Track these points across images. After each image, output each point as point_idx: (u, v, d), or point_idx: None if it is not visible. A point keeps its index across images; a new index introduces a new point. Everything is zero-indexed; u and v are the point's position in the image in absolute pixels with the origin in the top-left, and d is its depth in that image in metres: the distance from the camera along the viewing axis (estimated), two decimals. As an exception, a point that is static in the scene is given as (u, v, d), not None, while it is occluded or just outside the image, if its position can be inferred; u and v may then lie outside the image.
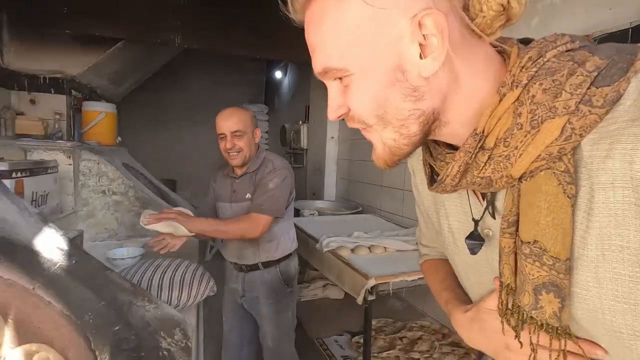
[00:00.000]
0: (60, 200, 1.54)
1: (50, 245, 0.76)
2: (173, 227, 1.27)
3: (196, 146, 5.96)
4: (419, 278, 1.42)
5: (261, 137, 1.67)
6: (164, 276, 1.06)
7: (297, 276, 1.67)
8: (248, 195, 1.46)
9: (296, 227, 2.20)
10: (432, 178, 0.50)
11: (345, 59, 0.40)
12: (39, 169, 1.19)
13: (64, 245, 0.79)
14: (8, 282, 0.67)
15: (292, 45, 2.85)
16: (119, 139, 2.58)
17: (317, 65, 0.43)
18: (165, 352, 0.71)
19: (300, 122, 4.00)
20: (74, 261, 0.77)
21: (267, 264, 1.52)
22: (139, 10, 2.47)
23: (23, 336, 0.76)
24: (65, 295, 0.70)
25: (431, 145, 0.48)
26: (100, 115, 2.40)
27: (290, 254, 1.61)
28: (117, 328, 0.69)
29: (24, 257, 0.68)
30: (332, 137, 3.37)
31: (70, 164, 1.54)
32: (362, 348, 1.76)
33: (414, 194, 0.66)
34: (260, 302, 1.54)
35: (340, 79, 0.43)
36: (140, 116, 5.65)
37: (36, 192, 1.18)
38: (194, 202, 2.74)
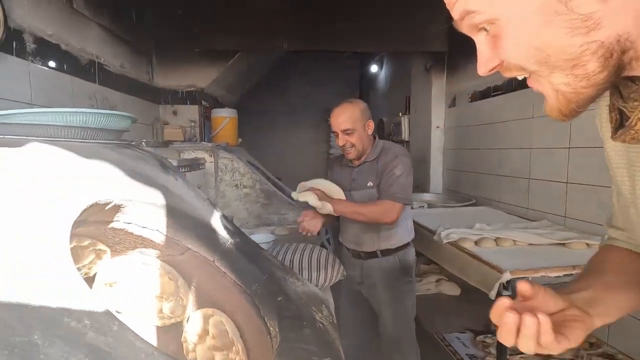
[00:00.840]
0: (206, 193, 1.80)
1: (221, 224, 0.89)
2: (321, 204, 1.45)
3: (297, 146, 6.35)
4: (564, 275, 1.25)
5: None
6: (301, 258, 1.15)
7: (415, 266, 1.66)
8: (370, 183, 1.51)
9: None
10: (621, 125, 0.40)
11: (488, 3, 0.35)
12: (195, 164, 1.41)
13: (229, 225, 0.92)
14: (195, 254, 0.81)
15: (393, 37, 2.81)
16: (240, 140, 2.89)
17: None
18: (320, 325, 0.77)
19: (400, 114, 3.91)
20: (238, 239, 0.89)
21: (385, 252, 1.55)
22: (251, 22, 2.73)
23: (201, 301, 0.91)
24: (237, 267, 0.81)
25: (622, 83, 0.38)
26: (225, 120, 2.72)
27: (408, 244, 1.61)
28: (279, 299, 0.77)
29: (206, 234, 0.81)
30: (437, 127, 3.20)
31: (212, 162, 1.78)
32: (490, 348, 1.63)
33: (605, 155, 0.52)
34: (378, 289, 1.57)
35: (486, 29, 0.37)
36: (248, 122, 6.25)
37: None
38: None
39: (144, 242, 0.79)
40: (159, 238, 0.77)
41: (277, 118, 6.35)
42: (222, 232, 0.86)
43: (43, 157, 0.56)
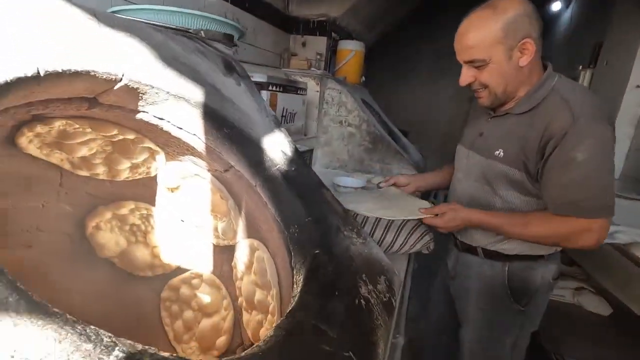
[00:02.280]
0: (305, 123, 1.68)
1: (277, 147, 0.72)
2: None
3: (436, 100, 5.67)
4: None
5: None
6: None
7: (546, 294, 1.00)
8: (499, 152, 0.88)
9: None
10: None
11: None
12: (290, 87, 1.27)
13: (288, 150, 0.75)
14: (238, 174, 0.68)
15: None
16: (363, 78, 2.64)
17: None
18: (362, 301, 0.55)
19: (581, 67, 2.92)
20: (293, 168, 0.71)
21: (490, 254, 0.97)
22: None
23: (250, 230, 0.80)
24: (280, 200, 0.65)
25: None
26: (350, 53, 2.49)
27: (540, 257, 0.94)
28: (317, 251, 0.58)
29: (253, 152, 0.66)
30: (637, 86, 2.25)
31: (318, 91, 1.63)
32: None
33: None
34: (469, 299, 1.04)
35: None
36: (384, 66, 5.84)
37: (286, 109, 1.27)
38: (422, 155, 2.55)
39: (189, 149, 0.70)
40: (200, 145, 0.65)
41: (419, 65, 5.74)
42: (274, 155, 0.69)
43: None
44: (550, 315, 1.70)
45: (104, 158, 0.79)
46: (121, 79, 0.48)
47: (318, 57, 2.77)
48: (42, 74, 0.36)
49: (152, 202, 0.95)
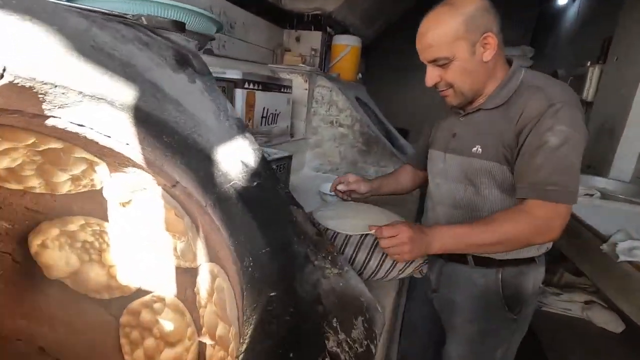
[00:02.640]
0: (292, 124, 1.56)
1: (235, 157, 0.60)
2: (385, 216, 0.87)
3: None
4: None
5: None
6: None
7: (535, 298, 0.93)
8: (477, 148, 0.83)
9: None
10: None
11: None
12: (272, 85, 1.15)
13: (251, 160, 0.62)
14: (186, 191, 0.56)
15: None
16: (360, 75, 2.51)
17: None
18: (327, 358, 0.43)
19: (589, 63, 2.78)
20: (255, 183, 0.59)
21: (482, 261, 0.87)
22: None
23: (209, 253, 0.68)
24: (232, 224, 0.53)
25: None
26: (346, 49, 2.36)
27: (530, 260, 0.87)
28: (272, 294, 0.46)
29: (202, 165, 0.54)
30: (651, 83, 2.11)
31: (306, 89, 1.50)
32: None
33: None
34: (456, 311, 0.94)
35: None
36: (384, 63, 5.70)
37: (267, 109, 1.15)
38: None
39: (129, 160, 0.58)
40: (137, 157, 0.53)
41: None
42: (230, 167, 0.57)
43: None
44: (554, 329, 1.58)
45: (36, 169, 0.67)
46: (2, 75, 0.36)
47: (312, 52, 2.64)
48: None
49: (104, 217, 0.83)
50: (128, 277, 0.90)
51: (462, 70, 0.78)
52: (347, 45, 2.35)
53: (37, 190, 0.72)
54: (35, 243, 0.84)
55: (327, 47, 2.70)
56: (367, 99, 2.07)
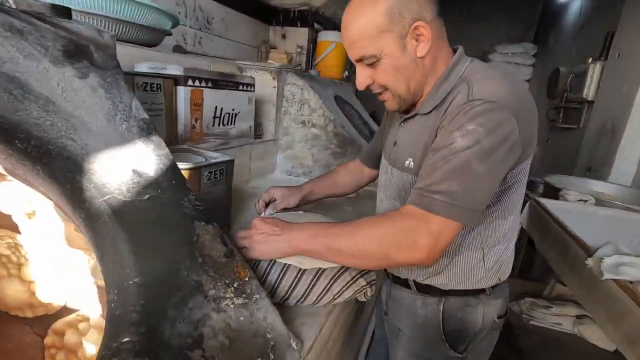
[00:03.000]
0: (260, 124, 1.47)
1: (123, 165, 0.51)
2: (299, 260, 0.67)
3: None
4: None
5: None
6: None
7: (490, 335, 0.79)
8: (409, 161, 0.71)
9: (550, 217, 1.38)
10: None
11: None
12: (226, 82, 1.05)
13: (149, 169, 0.53)
14: (58, 204, 0.48)
15: None
16: (346, 73, 2.41)
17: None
18: None
19: (590, 59, 2.65)
20: (146, 196, 0.50)
21: (424, 288, 0.76)
22: None
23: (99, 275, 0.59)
24: (101, 246, 0.44)
25: None
26: (330, 45, 2.27)
27: (480, 291, 0.74)
28: (125, 340, 0.37)
29: (70, 176, 0.45)
30: (654, 81, 1.98)
31: (275, 87, 1.41)
32: None
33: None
34: (400, 340, 0.83)
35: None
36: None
37: (221, 108, 1.06)
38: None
39: (-3, 169, 0.49)
40: (-6, 166, 0.45)
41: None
42: (110, 178, 0.48)
43: None
44: (542, 344, 1.47)
45: None
46: None
47: (299, 50, 2.55)
48: None
49: (15, 229, 0.75)
50: (50, 294, 0.82)
51: (393, 69, 0.66)
52: (332, 42, 2.26)
53: None
54: (-60, 257, 0.76)
55: (313, 44, 2.61)
56: (350, 99, 1.97)
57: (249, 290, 0.52)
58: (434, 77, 0.69)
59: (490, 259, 0.73)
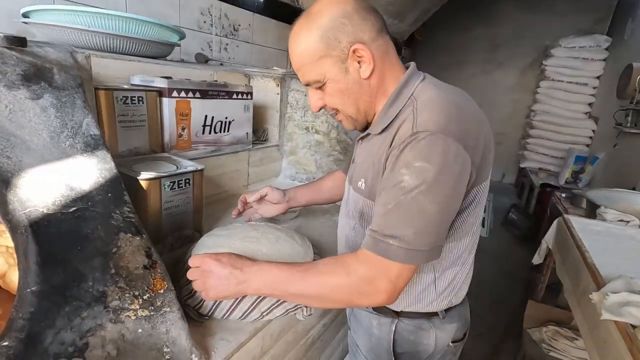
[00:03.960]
0: (262, 130, 1.49)
1: (58, 180, 0.56)
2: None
3: (489, 95, 5.03)
4: None
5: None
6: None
7: (445, 357, 0.75)
8: (361, 182, 0.70)
9: (573, 238, 1.22)
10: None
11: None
12: (215, 92, 1.09)
13: (82, 183, 0.58)
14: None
15: None
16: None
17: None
18: None
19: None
20: (72, 209, 0.55)
21: (379, 308, 0.74)
22: None
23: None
24: (18, 255, 0.49)
25: None
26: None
27: (432, 314, 0.71)
28: (4, 344, 0.41)
29: None
30: None
31: (278, 93, 1.42)
32: None
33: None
34: (358, 357, 0.82)
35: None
36: (427, 57, 5.32)
37: (212, 117, 1.11)
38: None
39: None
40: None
41: (470, 55, 5.14)
42: (37, 193, 0.53)
43: None
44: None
45: None
46: None
47: (327, 52, 2.54)
48: None
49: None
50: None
51: (339, 92, 0.65)
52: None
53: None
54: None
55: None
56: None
57: (159, 303, 0.55)
58: (384, 96, 0.66)
59: (442, 282, 0.69)
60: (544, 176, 3.78)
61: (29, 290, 0.46)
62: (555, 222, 1.46)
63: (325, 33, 0.60)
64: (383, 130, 0.65)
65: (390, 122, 0.64)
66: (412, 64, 0.69)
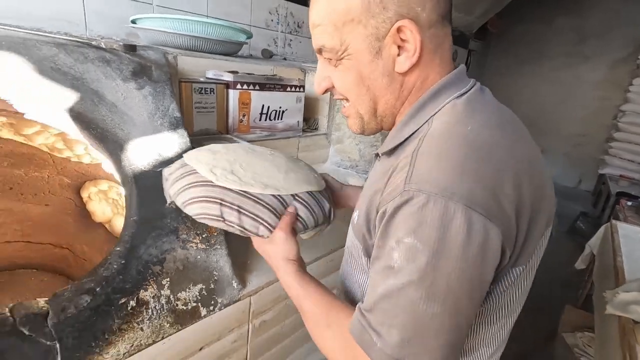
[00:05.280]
0: (313, 119, 1.66)
1: (151, 148, 0.79)
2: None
3: (574, 90, 4.60)
4: None
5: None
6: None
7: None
8: (356, 215, 0.56)
9: (613, 242, 1.19)
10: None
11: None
12: (272, 85, 1.28)
13: (168, 151, 0.80)
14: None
15: None
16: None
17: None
18: (132, 303, 0.58)
19: None
20: (159, 169, 0.77)
21: None
22: None
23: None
24: (126, 197, 0.72)
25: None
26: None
27: None
28: (117, 249, 0.63)
29: (115, 151, 0.74)
30: None
31: (329, 87, 1.57)
32: None
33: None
34: None
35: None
36: (504, 49, 5.00)
37: (267, 106, 1.30)
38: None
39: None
40: (86, 141, 0.77)
41: (553, 46, 4.74)
42: (139, 155, 0.76)
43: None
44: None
45: (65, 145, 1.00)
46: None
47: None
48: None
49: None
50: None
51: (357, 77, 0.49)
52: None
53: (73, 160, 1.07)
54: (84, 195, 1.22)
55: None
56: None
57: (212, 241, 0.75)
58: (412, 105, 0.51)
59: None
60: (626, 184, 3.41)
61: (132, 219, 0.68)
62: (602, 228, 1.41)
63: None
64: (391, 152, 0.51)
65: (401, 144, 0.50)
66: (460, 68, 0.52)
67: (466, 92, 0.48)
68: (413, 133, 0.48)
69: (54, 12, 1.31)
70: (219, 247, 0.75)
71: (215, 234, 0.76)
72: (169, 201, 0.64)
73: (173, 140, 0.83)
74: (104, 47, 0.81)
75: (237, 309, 0.73)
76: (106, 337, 0.54)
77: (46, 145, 1.01)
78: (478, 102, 0.48)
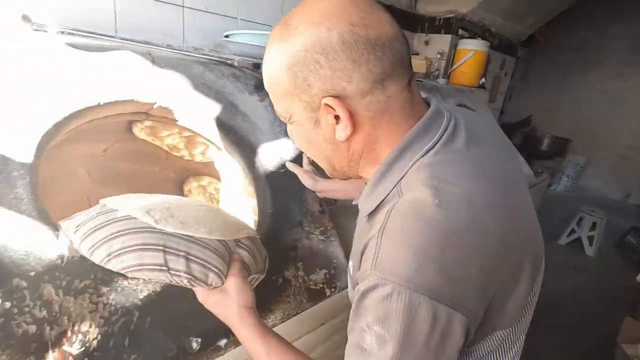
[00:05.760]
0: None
1: (274, 152, 0.92)
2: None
3: (624, 100, 4.46)
4: None
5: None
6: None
7: None
8: (350, 265, 0.57)
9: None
10: None
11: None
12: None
13: (286, 155, 0.94)
14: (243, 169, 0.92)
15: None
16: (483, 80, 2.43)
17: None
18: (281, 280, 0.71)
19: None
20: (283, 170, 0.90)
21: None
22: None
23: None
24: (258, 191, 0.86)
25: None
26: (469, 53, 2.34)
27: None
28: (261, 235, 0.77)
29: (249, 155, 0.88)
30: None
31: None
32: None
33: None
34: None
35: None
36: (549, 59, 4.90)
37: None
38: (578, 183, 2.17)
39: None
40: (223, 147, 0.92)
41: (603, 55, 4.61)
42: (266, 158, 0.89)
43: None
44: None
45: (184, 146, 1.16)
46: (155, 103, 0.78)
47: (438, 56, 2.69)
48: (101, 103, 0.69)
49: (218, 178, 1.30)
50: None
51: (306, 141, 0.52)
52: (470, 50, 2.33)
53: (186, 158, 1.23)
54: (186, 188, 1.38)
55: (454, 51, 2.69)
56: (476, 106, 2.04)
57: (328, 234, 0.87)
58: (374, 164, 0.49)
59: None
60: (680, 200, 3.29)
61: (268, 211, 0.82)
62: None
63: (292, 66, 0.43)
64: (370, 215, 0.49)
65: (378, 206, 0.47)
66: (428, 114, 0.47)
67: (433, 147, 0.45)
68: (385, 198, 0.46)
69: (161, 28, 1.50)
70: (333, 239, 0.87)
71: (329, 227, 0.89)
72: (71, 256, 0.55)
73: (290, 146, 0.96)
74: (236, 65, 0.96)
75: (346, 294, 0.84)
76: (267, 306, 0.67)
77: (168, 146, 1.17)
78: (446, 157, 0.45)
